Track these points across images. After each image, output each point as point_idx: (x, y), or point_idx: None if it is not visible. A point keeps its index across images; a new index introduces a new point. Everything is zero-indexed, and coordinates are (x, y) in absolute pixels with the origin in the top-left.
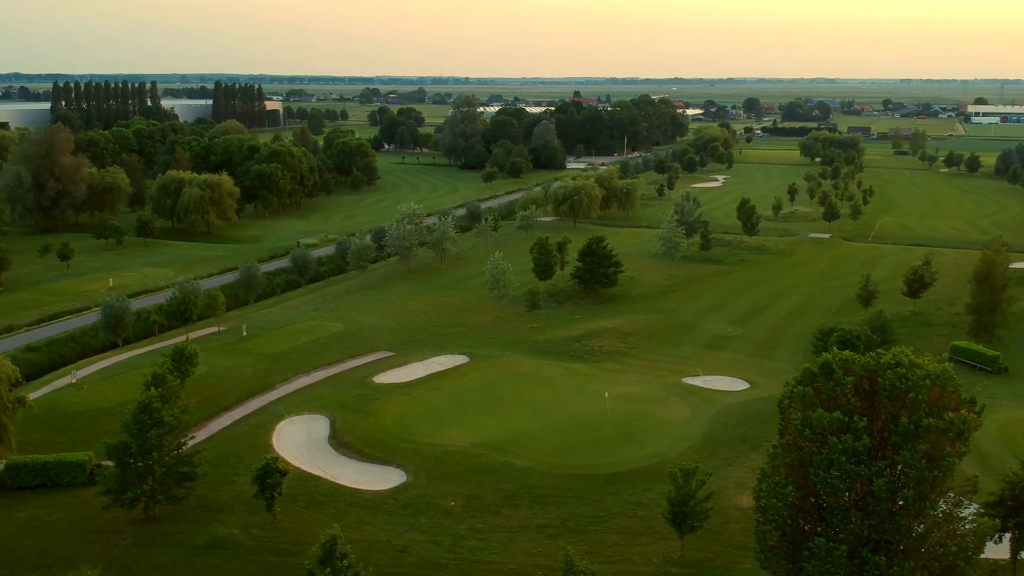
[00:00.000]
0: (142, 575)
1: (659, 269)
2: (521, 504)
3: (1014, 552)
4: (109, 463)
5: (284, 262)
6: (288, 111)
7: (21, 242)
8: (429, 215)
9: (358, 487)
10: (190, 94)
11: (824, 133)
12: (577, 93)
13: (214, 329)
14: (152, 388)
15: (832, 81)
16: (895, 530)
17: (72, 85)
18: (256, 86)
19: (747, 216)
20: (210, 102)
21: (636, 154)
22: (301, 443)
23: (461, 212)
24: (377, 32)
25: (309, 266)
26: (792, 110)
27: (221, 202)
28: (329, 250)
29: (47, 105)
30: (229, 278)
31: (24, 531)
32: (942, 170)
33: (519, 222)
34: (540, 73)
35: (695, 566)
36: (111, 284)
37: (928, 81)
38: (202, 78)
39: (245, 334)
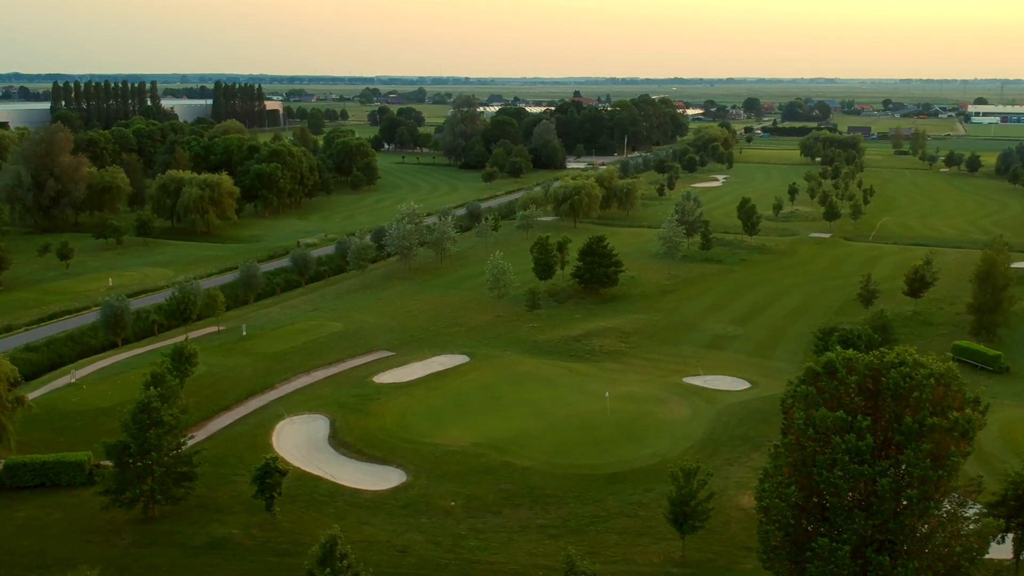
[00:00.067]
0: (141, 575)
1: (659, 269)
2: (522, 504)
3: (1017, 552)
4: (108, 463)
5: (284, 262)
6: (288, 111)
7: (20, 242)
8: (429, 215)
9: (358, 487)
10: (190, 94)
11: (824, 133)
12: (577, 93)
13: (214, 329)
14: (151, 388)
15: (832, 81)
16: (899, 530)
17: (72, 85)
18: (256, 86)
19: (747, 216)
20: (210, 102)
21: (636, 154)
22: (301, 443)
23: (461, 212)
24: (377, 32)
25: (309, 266)
26: (792, 110)
27: (221, 202)
28: (329, 250)
29: (47, 105)
30: (229, 278)
31: (23, 531)
32: (942, 170)
33: (519, 222)
34: (540, 73)
35: (696, 566)
36: (110, 284)
37: (928, 81)
38: (202, 78)
39: (245, 334)
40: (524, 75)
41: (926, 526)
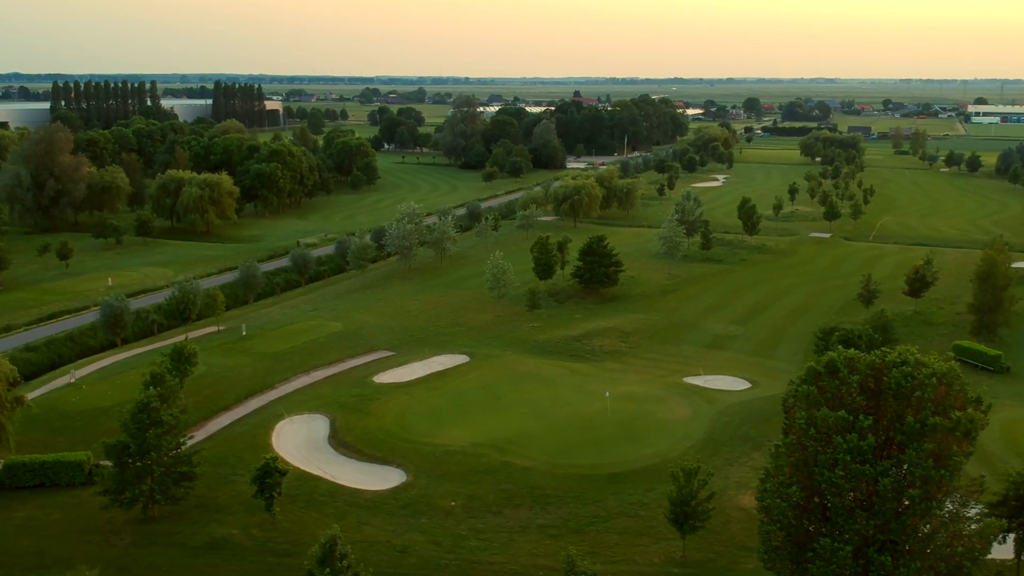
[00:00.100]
0: (140, 575)
1: (660, 268)
2: (522, 504)
3: (1018, 552)
4: (107, 463)
5: (284, 261)
6: (288, 111)
7: (20, 241)
8: (429, 214)
9: (358, 487)
10: (190, 94)
11: (824, 133)
12: (577, 93)
13: (213, 329)
14: (151, 387)
15: (832, 81)
16: (901, 530)
17: (72, 85)
18: (256, 86)
19: (748, 215)
20: (210, 102)
21: (636, 154)
22: (301, 443)
23: (461, 212)
24: (377, 32)
25: (309, 265)
26: (792, 110)
27: (221, 201)
28: (329, 249)
29: (47, 105)
30: (228, 277)
31: (22, 531)
32: (942, 170)
33: (519, 221)
34: (540, 73)
35: (697, 566)
36: (110, 283)
37: (928, 81)
38: (202, 78)
39: (244, 334)
40: (524, 75)
41: (928, 526)
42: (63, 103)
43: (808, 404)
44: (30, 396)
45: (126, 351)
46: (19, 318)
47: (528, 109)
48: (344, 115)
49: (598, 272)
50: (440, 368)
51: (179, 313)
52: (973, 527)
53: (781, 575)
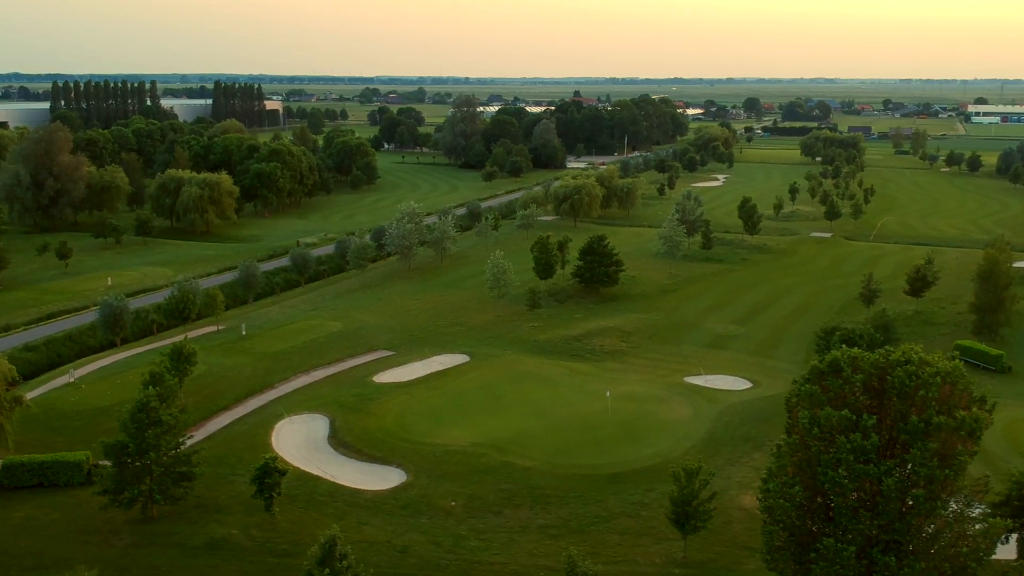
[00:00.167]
0: (139, 575)
1: (660, 268)
2: (522, 504)
3: (1021, 552)
4: (106, 463)
5: (283, 261)
6: (288, 111)
7: (19, 241)
8: (429, 214)
9: (358, 487)
10: (190, 94)
11: (825, 132)
12: (577, 93)
13: (213, 328)
14: (150, 387)
15: (832, 81)
16: (905, 530)
17: (71, 85)
18: (256, 86)
19: (748, 215)
20: (210, 102)
21: (636, 153)
22: (300, 443)
23: (461, 211)
24: (377, 32)
25: (308, 265)
26: (792, 110)
27: (220, 201)
28: (329, 249)
29: (46, 104)
30: (228, 277)
31: (21, 531)
32: (943, 169)
33: (519, 221)
34: (540, 73)
35: (698, 567)
36: (109, 283)
37: (928, 81)
38: (202, 78)
39: (244, 333)
40: (524, 75)
41: (933, 526)
42: (63, 103)
43: (811, 403)
44: (29, 396)
45: (125, 351)
46: (18, 317)
47: (528, 109)
48: (344, 115)
49: (598, 272)
50: (440, 368)
51: (178, 313)
52: (977, 527)
53: (784, 575)
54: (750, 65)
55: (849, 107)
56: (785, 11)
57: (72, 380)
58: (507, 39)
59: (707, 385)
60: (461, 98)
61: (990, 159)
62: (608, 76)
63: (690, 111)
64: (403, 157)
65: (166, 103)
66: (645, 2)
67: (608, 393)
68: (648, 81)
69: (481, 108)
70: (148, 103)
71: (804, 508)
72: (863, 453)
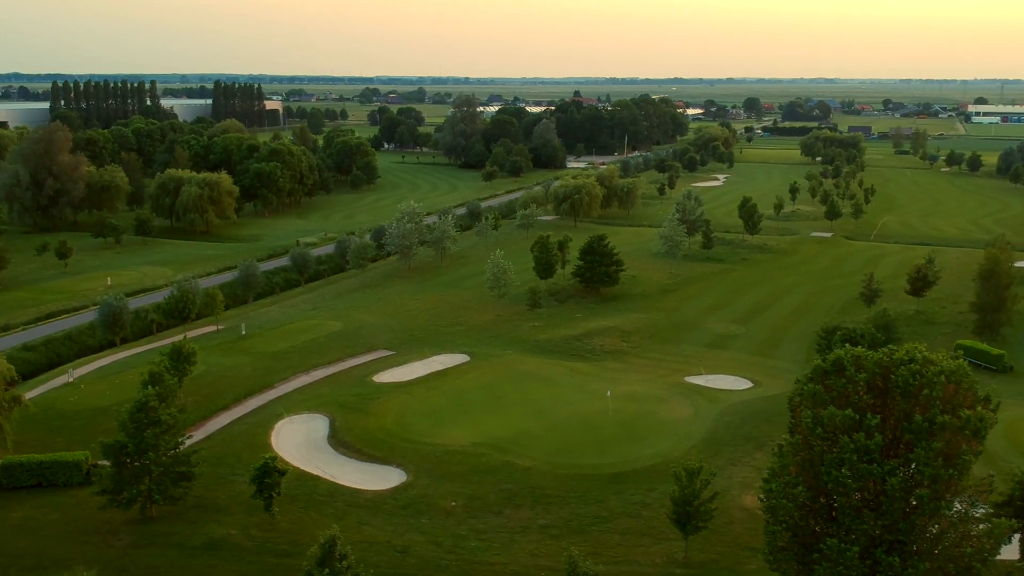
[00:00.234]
0: None
1: (661, 268)
2: (523, 504)
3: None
4: (105, 463)
5: (283, 261)
6: (288, 111)
7: (19, 241)
8: (429, 214)
9: (358, 487)
10: (190, 94)
11: (825, 132)
12: (577, 93)
13: (212, 328)
14: (149, 387)
15: (832, 81)
16: (909, 530)
17: (71, 85)
18: (256, 86)
19: (749, 215)
20: (209, 102)
21: (636, 153)
22: (300, 442)
23: (461, 211)
24: (377, 32)
25: (308, 265)
26: (792, 110)
27: (220, 201)
28: (329, 249)
29: (46, 104)
30: (228, 277)
31: (19, 531)
32: (943, 169)
33: (519, 221)
34: (540, 73)
35: (699, 567)
36: (109, 283)
37: (928, 81)
38: (202, 78)
39: (244, 333)
40: (524, 75)
41: (937, 526)
42: (63, 103)
43: (814, 403)
44: (28, 396)
45: (125, 350)
46: (17, 317)
47: (528, 109)
48: (344, 115)
49: (599, 271)
50: (440, 367)
51: (178, 312)
52: (982, 527)
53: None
54: (750, 65)
55: (849, 107)
56: (785, 11)
57: (71, 380)
58: (507, 39)
59: (708, 385)
60: (461, 98)
61: (990, 159)
62: (608, 76)
63: (690, 111)
64: (403, 157)
65: (166, 103)
66: (645, 2)
67: (609, 393)
68: (648, 81)
69: (481, 108)
70: (148, 103)
71: (807, 508)
72: (867, 453)
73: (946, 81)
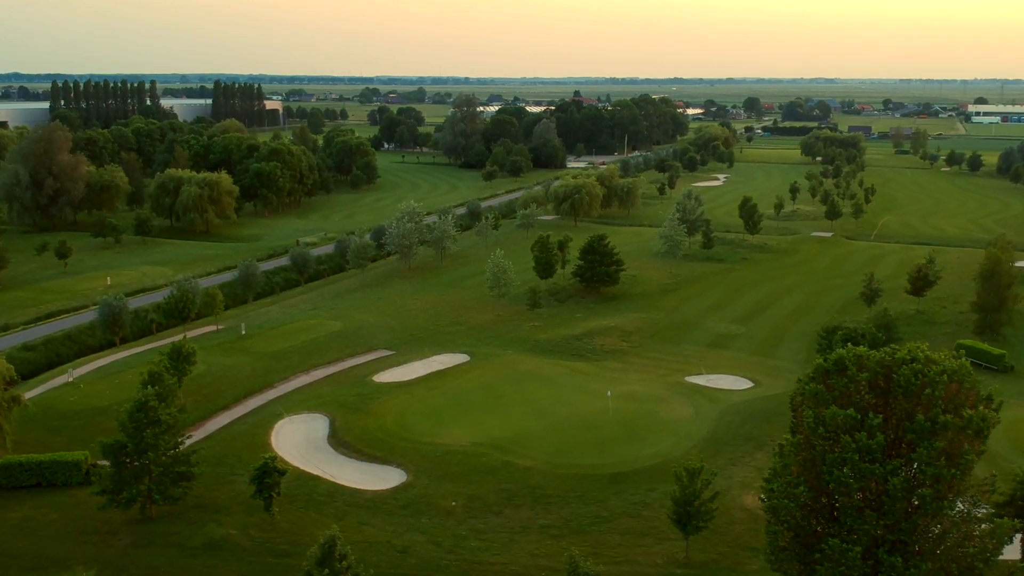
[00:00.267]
0: None
1: (661, 267)
2: (523, 504)
3: None
4: (105, 463)
5: (283, 260)
6: (288, 111)
7: (18, 240)
8: (429, 213)
9: (358, 487)
10: (189, 94)
11: (825, 132)
12: (577, 93)
13: (212, 328)
14: (149, 387)
15: (832, 81)
16: (911, 530)
17: (71, 85)
18: (256, 86)
19: (749, 214)
20: (209, 102)
21: (636, 153)
22: (300, 442)
23: (461, 211)
24: (377, 32)
25: (308, 264)
26: (792, 110)
27: (220, 201)
28: (328, 248)
29: (46, 104)
30: (228, 277)
31: (18, 532)
32: (943, 169)
33: (520, 220)
34: (540, 73)
35: (700, 567)
36: (109, 283)
37: (928, 81)
38: (202, 78)
39: (244, 333)
40: (524, 75)
41: (939, 526)
42: (62, 103)
43: (816, 402)
44: (27, 395)
45: (124, 350)
46: (17, 317)
47: (528, 109)
48: (344, 115)
49: (599, 271)
50: (440, 367)
51: (178, 312)
52: (984, 527)
53: None
54: (750, 65)
55: (849, 107)
56: (785, 11)
57: (71, 380)
58: (507, 39)
59: (708, 385)
60: (461, 98)
61: (991, 159)
62: (608, 76)
63: (690, 111)
64: (403, 157)
65: (166, 103)
66: (645, 2)
67: (609, 393)
68: (648, 81)
69: (481, 108)
70: (148, 103)
71: (809, 508)
72: (869, 452)
73: (946, 81)
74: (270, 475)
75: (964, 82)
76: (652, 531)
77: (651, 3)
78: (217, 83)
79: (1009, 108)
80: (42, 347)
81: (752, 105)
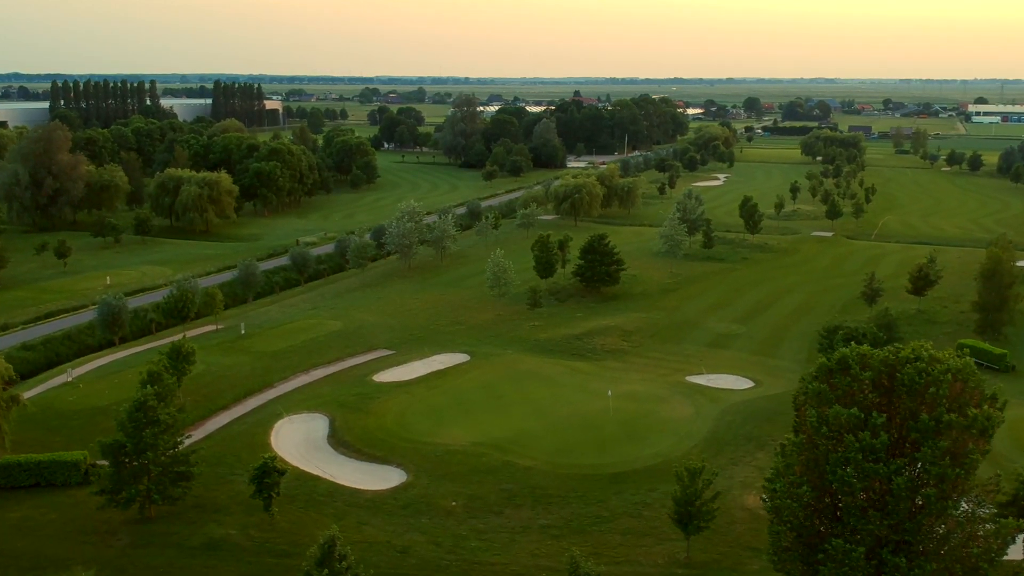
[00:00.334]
0: None
1: (661, 267)
2: (523, 504)
3: None
4: (104, 462)
5: (283, 260)
6: (288, 110)
7: (18, 240)
8: (429, 213)
9: (357, 487)
10: (189, 94)
11: (825, 132)
12: (577, 93)
13: (212, 327)
14: (148, 386)
15: (832, 81)
16: (915, 530)
17: (71, 84)
18: (256, 86)
19: (749, 214)
20: (209, 101)
21: (637, 153)
22: (300, 442)
23: (461, 210)
24: (377, 32)
25: (308, 264)
26: (792, 110)
27: (220, 200)
28: (328, 248)
29: (46, 104)
30: (227, 276)
31: (17, 532)
32: (944, 169)
33: (520, 220)
34: (540, 73)
35: (701, 567)
36: (108, 282)
37: (928, 81)
38: (202, 78)
39: (243, 332)
40: (524, 75)
41: (943, 526)
42: (62, 102)
43: (819, 402)
44: (26, 395)
45: (124, 350)
46: (16, 316)
47: (528, 109)
48: (344, 115)
49: (599, 271)
50: (440, 367)
51: (177, 312)
52: (988, 527)
53: None
54: (750, 65)
55: (849, 107)
56: (785, 11)
57: (70, 379)
58: (507, 39)
59: (709, 384)
60: (461, 98)
61: (991, 159)
62: (608, 76)
63: (690, 111)
64: (403, 156)
65: (166, 103)
66: (645, 2)
67: (609, 392)
68: (648, 81)
69: (481, 108)
70: (148, 103)
71: (812, 508)
72: (872, 452)
73: (946, 81)
74: (270, 475)
75: (964, 82)
76: (653, 531)
77: (651, 3)
78: (217, 83)
79: (1009, 108)
80: (41, 347)
81: (752, 105)
